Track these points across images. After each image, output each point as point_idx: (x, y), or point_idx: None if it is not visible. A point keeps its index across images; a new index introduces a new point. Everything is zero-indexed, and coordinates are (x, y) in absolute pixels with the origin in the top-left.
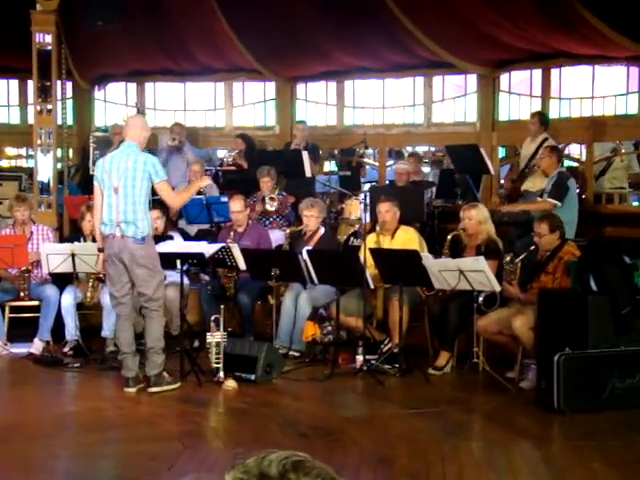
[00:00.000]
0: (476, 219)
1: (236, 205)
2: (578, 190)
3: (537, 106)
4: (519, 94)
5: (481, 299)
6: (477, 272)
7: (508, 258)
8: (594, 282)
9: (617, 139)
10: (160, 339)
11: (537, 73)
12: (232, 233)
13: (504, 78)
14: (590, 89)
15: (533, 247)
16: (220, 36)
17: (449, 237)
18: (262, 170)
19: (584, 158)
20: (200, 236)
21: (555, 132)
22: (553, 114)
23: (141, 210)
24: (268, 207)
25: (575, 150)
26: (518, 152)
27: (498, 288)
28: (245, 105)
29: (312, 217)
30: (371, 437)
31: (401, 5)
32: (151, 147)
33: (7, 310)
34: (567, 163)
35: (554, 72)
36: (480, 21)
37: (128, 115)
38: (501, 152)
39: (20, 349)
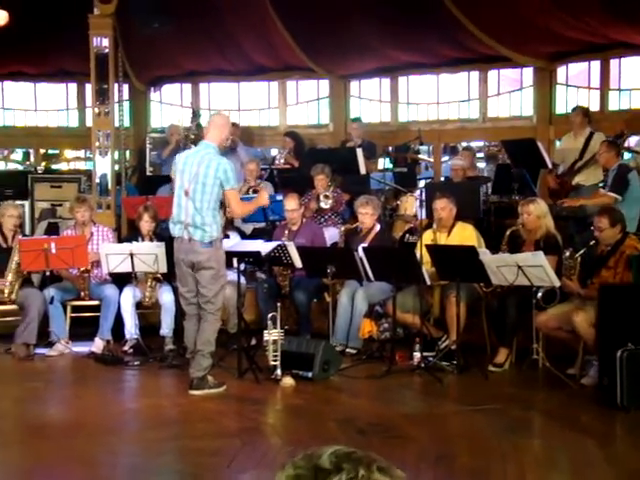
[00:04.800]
0: (535, 214)
1: (291, 204)
2: None
3: (596, 98)
4: (577, 86)
5: (540, 295)
6: (536, 267)
7: (567, 253)
8: None
9: None
10: (211, 343)
11: (595, 64)
12: (286, 231)
13: (561, 70)
14: None
15: (593, 242)
16: (273, 35)
17: (507, 233)
18: (316, 168)
19: None
20: (255, 234)
21: (602, 125)
22: (613, 106)
23: (209, 215)
24: (323, 205)
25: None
26: None
27: (557, 283)
28: (299, 104)
29: (367, 214)
30: (430, 434)
31: None
32: None
33: (69, 310)
34: (627, 155)
35: (613, 63)
36: (536, 13)
37: (212, 115)
38: (558, 146)
39: (81, 348)
